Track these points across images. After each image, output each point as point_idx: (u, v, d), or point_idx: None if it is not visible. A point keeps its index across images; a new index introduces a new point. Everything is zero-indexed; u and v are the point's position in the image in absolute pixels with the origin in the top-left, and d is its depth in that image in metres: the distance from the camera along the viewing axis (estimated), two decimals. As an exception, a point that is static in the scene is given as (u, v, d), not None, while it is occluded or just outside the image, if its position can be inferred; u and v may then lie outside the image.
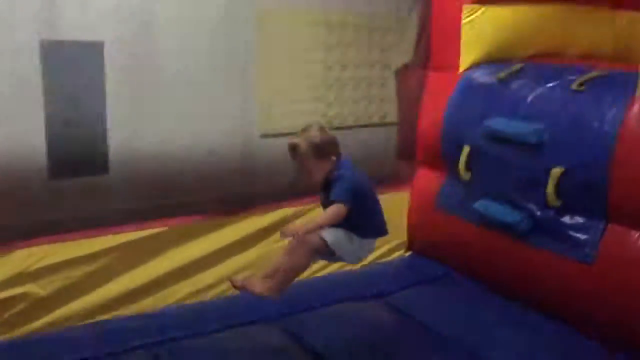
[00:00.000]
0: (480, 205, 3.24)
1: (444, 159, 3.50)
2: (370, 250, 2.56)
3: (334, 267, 3.49)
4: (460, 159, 3.32)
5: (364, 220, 2.43)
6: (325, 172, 2.38)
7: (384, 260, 3.67)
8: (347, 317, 2.93)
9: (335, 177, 2.37)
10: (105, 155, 3.25)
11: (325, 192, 2.44)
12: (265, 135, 3.68)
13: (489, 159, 3.21)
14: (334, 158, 2.39)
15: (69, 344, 2.61)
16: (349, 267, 3.52)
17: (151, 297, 3.01)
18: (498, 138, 3.13)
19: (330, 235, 2.35)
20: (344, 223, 2.36)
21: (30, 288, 2.74)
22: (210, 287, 3.17)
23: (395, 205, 3.69)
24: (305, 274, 3.39)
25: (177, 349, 2.60)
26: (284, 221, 3.35)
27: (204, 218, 3.18)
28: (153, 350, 2.59)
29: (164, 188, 3.41)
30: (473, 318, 2.98)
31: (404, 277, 3.41)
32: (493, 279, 3.24)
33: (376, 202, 2.52)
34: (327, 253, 2.40)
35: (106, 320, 2.86)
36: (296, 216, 3.39)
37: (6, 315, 2.70)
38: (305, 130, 2.39)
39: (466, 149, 3.30)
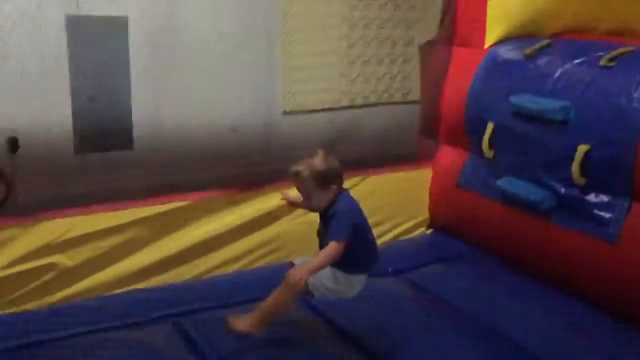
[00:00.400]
0: (503, 182, 3.21)
1: (468, 136, 3.46)
2: (361, 286, 2.47)
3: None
4: (484, 136, 3.28)
5: (357, 257, 2.36)
6: (326, 201, 2.32)
7: (405, 237, 3.66)
8: (366, 292, 2.92)
9: (333, 212, 2.30)
10: (129, 130, 3.29)
11: (323, 221, 2.38)
12: (287, 112, 3.69)
13: (513, 136, 3.18)
14: (334, 187, 2.33)
15: (95, 314, 2.67)
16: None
17: (174, 270, 3.05)
18: (523, 115, 3.09)
19: (311, 277, 2.30)
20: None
21: (58, 259, 2.79)
22: (233, 260, 3.20)
23: (417, 183, 3.70)
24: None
25: (200, 321, 2.63)
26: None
27: (227, 193, 3.20)
28: (176, 321, 2.63)
29: (186, 163, 3.45)
30: (494, 295, 2.97)
31: (425, 254, 3.40)
32: (515, 257, 3.22)
33: (371, 236, 2.45)
34: (308, 294, 2.37)
35: (131, 291, 2.91)
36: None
37: (34, 284, 2.76)
38: (310, 157, 2.35)
39: (490, 126, 3.26)
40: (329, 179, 2.30)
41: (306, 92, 3.71)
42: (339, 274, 2.37)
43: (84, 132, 3.18)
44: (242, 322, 2.38)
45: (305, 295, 2.38)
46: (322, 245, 2.37)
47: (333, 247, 2.22)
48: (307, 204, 2.38)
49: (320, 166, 2.30)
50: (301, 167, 2.30)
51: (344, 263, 2.33)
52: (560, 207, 2.98)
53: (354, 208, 2.36)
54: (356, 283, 2.44)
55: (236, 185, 3.28)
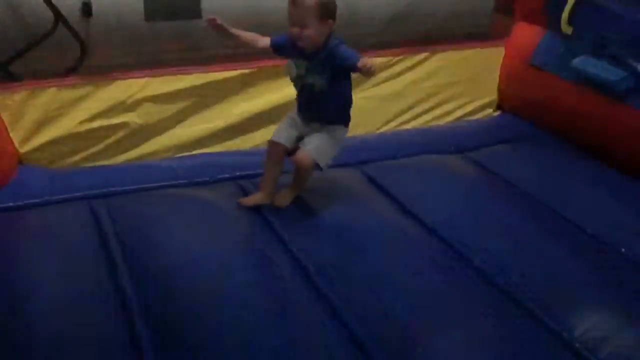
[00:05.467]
0: (579, 61, 3.05)
1: (546, 11, 3.27)
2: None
3: (419, 121, 3.48)
4: (564, 11, 3.09)
5: (349, 104, 2.40)
6: (320, 37, 2.22)
7: (471, 118, 3.58)
8: (425, 167, 2.93)
9: (330, 48, 2.23)
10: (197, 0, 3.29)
11: (308, 62, 2.28)
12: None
13: (595, 12, 2.99)
14: (331, 23, 2.23)
15: (163, 172, 2.78)
16: (434, 123, 3.51)
17: (238, 137, 3.12)
18: (609, -13, 2.89)
19: (320, 156, 2.35)
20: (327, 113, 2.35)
21: (130, 117, 2.91)
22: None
23: (487, 62, 3.56)
24: (391, 126, 3.43)
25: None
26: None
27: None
28: (239, 183, 2.72)
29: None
30: (558, 177, 2.89)
31: (490, 135, 3.32)
32: (586, 140, 3.12)
33: None
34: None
35: (196, 155, 3.01)
36: (385, 66, 3.34)
37: (108, 141, 2.91)
38: None
39: (571, 0, 3.06)
40: (330, 12, 2.23)
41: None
42: (342, 132, 2.42)
43: (154, 1, 3.20)
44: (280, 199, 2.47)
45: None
46: (303, 88, 2.33)
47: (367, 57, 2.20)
48: (302, 40, 2.23)
49: None
50: None
51: (347, 115, 2.40)
52: (638, 89, 2.82)
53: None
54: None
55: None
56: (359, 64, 2.15)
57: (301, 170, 2.40)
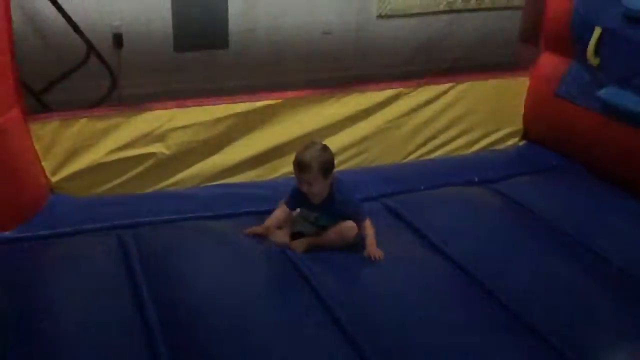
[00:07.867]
0: (606, 92, 3.03)
1: (572, 41, 3.25)
2: None
3: (443, 151, 3.48)
4: (590, 42, 3.07)
5: None
6: (327, 189, 2.49)
7: (496, 147, 3.57)
8: (449, 199, 2.92)
9: (340, 199, 2.50)
10: (225, 31, 3.37)
11: (318, 209, 2.53)
12: (381, 16, 3.62)
13: (622, 43, 2.95)
14: (332, 174, 2.50)
15: (189, 203, 2.83)
16: (459, 152, 3.50)
17: (263, 167, 3.15)
18: (635, 19, 2.86)
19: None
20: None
21: (158, 148, 2.96)
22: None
23: (512, 92, 3.55)
24: (416, 155, 3.43)
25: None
26: (395, 98, 3.34)
27: (317, 92, 3.22)
28: (263, 216, 2.70)
29: (279, 64, 3.51)
30: (586, 208, 2.86)
31: (515, 165, 3.31)
32: (612, 171, 3.08)
33: None
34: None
35: (222, 185, 3.04)
36: (410, 96, 3.36)
37: (136, 171, 2.96)
38: (308, 147, 2.48)
39: (597, 31, 3.04)
40: (331, 167, 2.47)
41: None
42: None
43: (183, 32, 3.29)
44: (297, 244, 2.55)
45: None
46: (317, 228, 2.56)
47: (369, 223, 2.51)
48: (312, 196, 2.49)
49: (325, 156, 2.46)
50: (307, 158, 2.43)
51: None
52: (667, 120, 2.80)
53: (350, 187, 2.60)
54: None
55: (326, 87, 3.30)
56: (367, 253, 2.45)
57: (344, 238, 2.52)
